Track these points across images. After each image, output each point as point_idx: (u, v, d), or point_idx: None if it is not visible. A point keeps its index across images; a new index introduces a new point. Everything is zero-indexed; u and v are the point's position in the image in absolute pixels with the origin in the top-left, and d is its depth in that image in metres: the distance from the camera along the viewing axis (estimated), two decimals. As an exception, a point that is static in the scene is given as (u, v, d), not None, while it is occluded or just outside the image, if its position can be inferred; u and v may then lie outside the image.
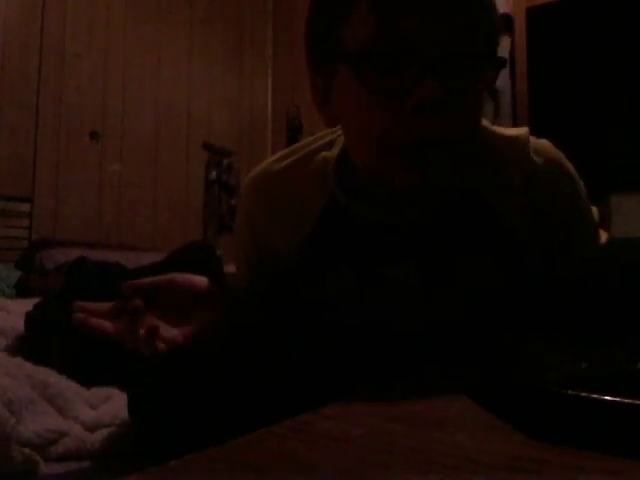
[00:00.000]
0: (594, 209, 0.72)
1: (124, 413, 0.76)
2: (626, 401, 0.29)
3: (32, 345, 1.05)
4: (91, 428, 0.75)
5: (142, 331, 0.57)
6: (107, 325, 0.59)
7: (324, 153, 0.68)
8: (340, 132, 0.67)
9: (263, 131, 4.04)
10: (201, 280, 0.66)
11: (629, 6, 2.54)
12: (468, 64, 0.53)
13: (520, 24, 2.75)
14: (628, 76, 2.59)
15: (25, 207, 2.70)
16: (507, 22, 2.74)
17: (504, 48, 2.72)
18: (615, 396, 0.29)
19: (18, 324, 1.12)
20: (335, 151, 0.67)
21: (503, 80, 2.69)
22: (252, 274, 0.75)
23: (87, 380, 0.88)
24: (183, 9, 3.57)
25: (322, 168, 0.67)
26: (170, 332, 0.60)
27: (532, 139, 0.66)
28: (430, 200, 0.64)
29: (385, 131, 0.53)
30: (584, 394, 0.30)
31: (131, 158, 3.19)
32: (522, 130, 0.67)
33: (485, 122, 0.65)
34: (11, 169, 2.66)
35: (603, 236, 0.74)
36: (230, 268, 0.99)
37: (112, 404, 0.82)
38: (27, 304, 1.21)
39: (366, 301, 0.63)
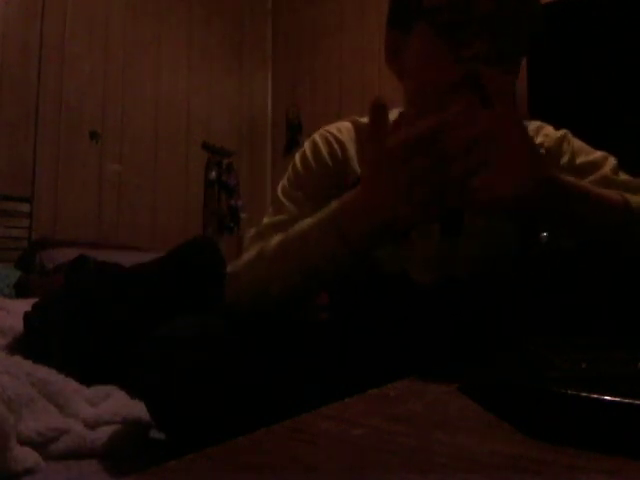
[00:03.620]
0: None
1: (124, 410, 0.76)
2: (626, 401, 0.29)
3: (31, 345, 1.05)
4: (92, 425, 0.75)
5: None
6: None
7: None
8: None
9: (263, 131, 4.04)
10: None
11: (629, 5, 2.54)
12: (514, 36, 0.67)
13: (520, 24, 2.74)
14: (629, 76, 2.58)
15: (25, 207, 2.70)
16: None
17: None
18: (615, 396, 0.29)
19: (18, 324, 1.12)
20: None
21: (503, 80, 2.68)
22: (307, 205, 0.76)
23: (87, 378, 0.88)
24: (183, 9, 3.57)
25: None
26: None
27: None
28: None
29: (445, 71, 0.66)
30: (584, 394, 0.30)
31: (131, 158, 3.19)
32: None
33: None
34: (11, 169, 2.66)
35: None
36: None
37: (112, 401, 0.81)
38: (27, 304, 1.21)
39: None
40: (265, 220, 0.78)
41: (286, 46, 3.97)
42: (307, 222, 0.66)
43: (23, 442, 0.67)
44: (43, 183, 2.77)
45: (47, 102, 2.81)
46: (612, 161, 0.79)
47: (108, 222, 3.04)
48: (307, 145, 0.83)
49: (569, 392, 0.30)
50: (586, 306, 0.59)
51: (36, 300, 1.18)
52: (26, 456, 0.65)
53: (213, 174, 3.61)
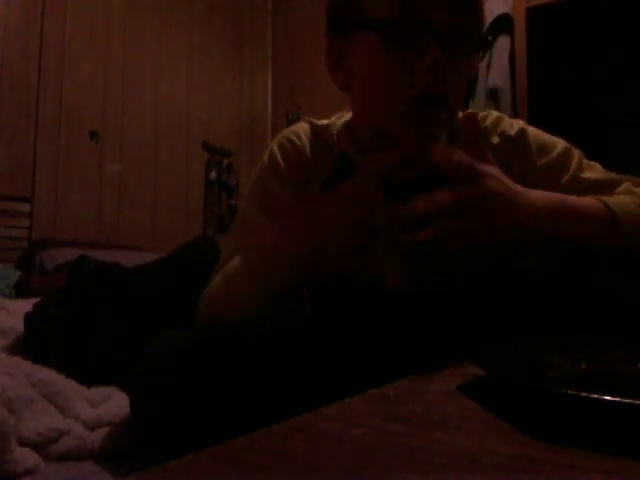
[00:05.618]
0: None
1: (124, 411, 0.76)
2: (626, 401, 0.29)
3: (31, 345, 1.05)
4: (92, 426, 0.75)
5: None
6: None
7: (334, 121, 0.82)
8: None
9: (263, 131, 4.04)
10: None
11: (628, 6, 2.54)
12: (465, 40, 0.66)
13: (520, 24, 2.75)
14: (628, 76, 2.59)
15: (25, 207, 2.70)
16: (507, 22, 2.74)
17: (504, 46, 2.72)
18: (615, 396, 0.29)
19: (18, 324, 1.12)
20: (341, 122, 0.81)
21: (503, 80, 2.69)
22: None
23: (87, 379, 0.88)
24: (183, 9, 3.57)
25: (334, 131, 0.80)
26: None
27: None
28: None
29: (399, 85, 0.65)
30: (584, 394, 0.30)
31: (131, 158, 3.18)
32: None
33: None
34: (11, 169, 2.66)
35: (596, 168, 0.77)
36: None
37: (112, 402, 0.82)
38: (27, 304, 1.21)
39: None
40: (230, 246, 0.77)
41: (286, 46, 3.97)
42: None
43: (23, 443, 0.67)
44: (43, 183, 2.77)
45: (47, 102, 2.81)
46: (576, 155, 0.76)
47: (108, 222, 3.04)
48: (266, 158, 0.82)
49: (569, 392, 0.30)
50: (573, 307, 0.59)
51: (36, 300, 1.17)
52: (26, 457, 0.65)
53: (213, 174, 3.60)
